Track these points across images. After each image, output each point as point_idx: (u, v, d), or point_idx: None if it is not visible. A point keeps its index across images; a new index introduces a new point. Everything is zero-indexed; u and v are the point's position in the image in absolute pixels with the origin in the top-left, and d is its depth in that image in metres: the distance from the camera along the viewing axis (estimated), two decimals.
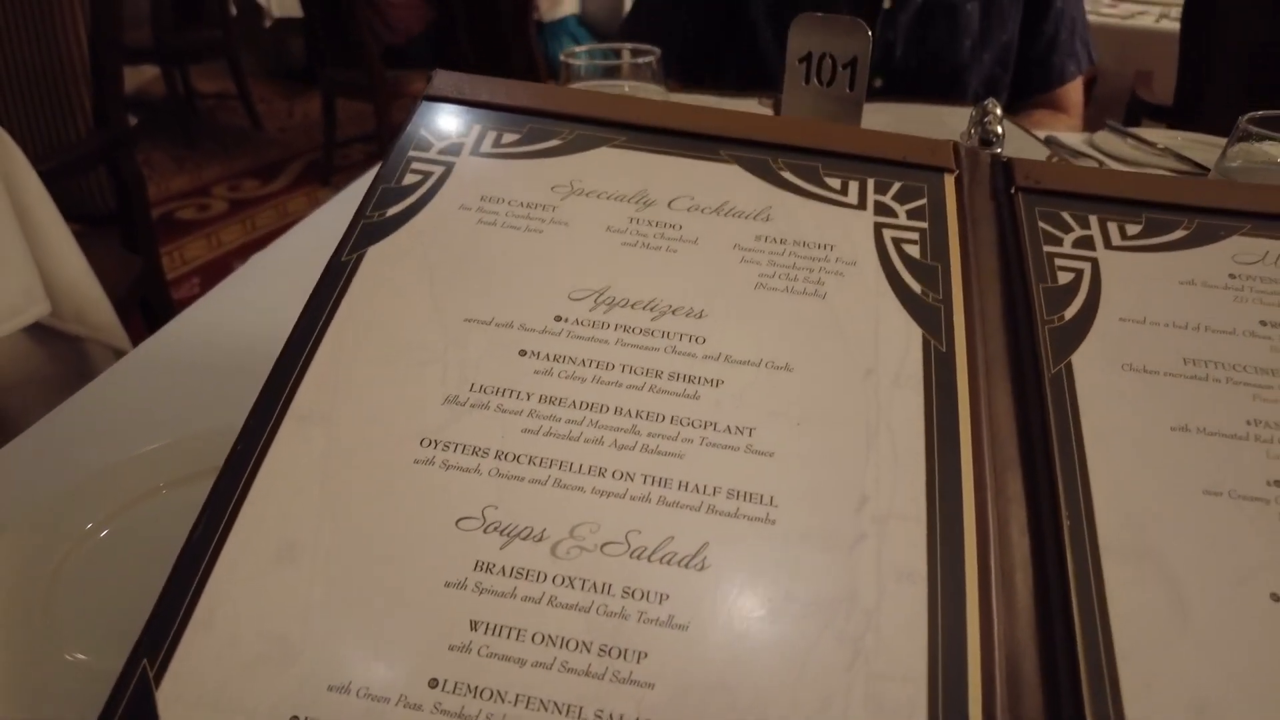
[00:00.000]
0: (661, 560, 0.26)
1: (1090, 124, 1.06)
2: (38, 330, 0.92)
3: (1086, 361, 0.31)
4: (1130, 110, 1.97)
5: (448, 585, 0.26)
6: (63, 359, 0.96)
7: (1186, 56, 1.56)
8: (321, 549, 0.26)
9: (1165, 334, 0.32)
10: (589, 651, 0.25)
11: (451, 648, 0.25)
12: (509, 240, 0.35)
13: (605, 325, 0.32)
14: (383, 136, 2.71)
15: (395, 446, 0.29)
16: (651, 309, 0.33)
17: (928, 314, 0.32)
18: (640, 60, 0.74)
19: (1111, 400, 0.30)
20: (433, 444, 0.29)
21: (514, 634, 0.25)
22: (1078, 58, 1.13)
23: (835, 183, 0.37)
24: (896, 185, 0.37)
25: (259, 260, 0.73)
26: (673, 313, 0.32)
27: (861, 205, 0.36)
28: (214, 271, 2.28)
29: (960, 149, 0.38)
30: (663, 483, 0.28)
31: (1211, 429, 0.30)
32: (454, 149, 0.38)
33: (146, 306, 1.33)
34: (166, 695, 0.24)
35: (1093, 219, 0.36)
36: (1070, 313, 0.33)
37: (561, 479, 0.28)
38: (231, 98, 3.25)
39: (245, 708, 0.24)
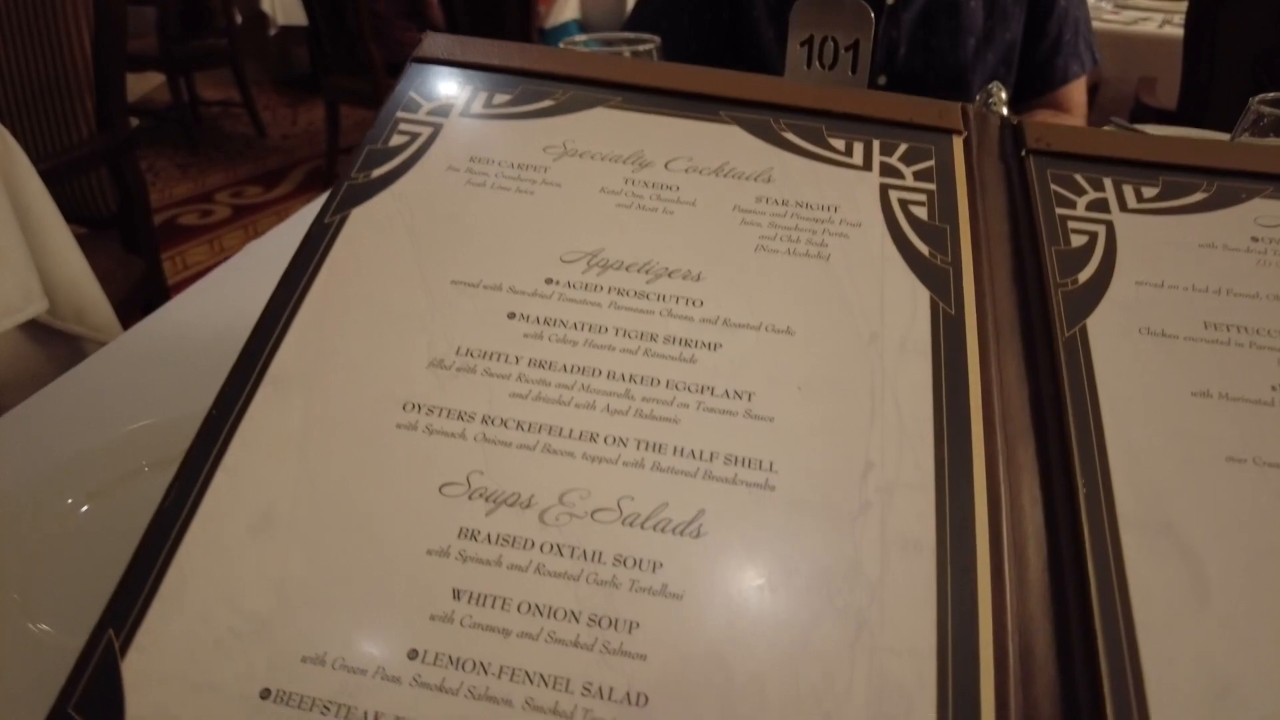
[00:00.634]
0: (655, 527, 0.25)
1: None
2: (37, 330, 0.91)
3: (1102, 326, 0.30)
4: (1134, 116, 1.96)
5: (429, 553, 0.25)
6: (62, 359, 0.95)
7: (1190, 62, 1.55)
8: (298, 517, 0.25)
9: (1185, 298, 0.31)
10: (578, 621, 0.23)
11: (433, 617, 0.23)
12: (498, 202, 0.33)
13: (598, 288, 0.31)
14: None
15: (376, 411, 0.27)
16: (647, 271, 0.31)
17: (936, 276, 0.31)
18: (640, 49, 0.73)
19: (1128, 365, 0.29)
20: (416, 408, 0.27)
21: (499, 603, 0.24)
22: (1081, 58, 1.12)
23: (839, 144, 0.36)
24: (903, 147, 0.35)
25: (254, 248, 0.72)
26: (669, 275, 0.31)
27: (867, 166, 0.35)
28: None
29: (969, 110, 0.37)
30: (657, 448, 0.27)
31: (1234, 394, 0.28)
32: (443, 110, 0.36)
33: (148, 309, 1.32)
34: (133, 667, 0.23)
35: (1107, 181, 0.34)
36: (1085, 276, 0.31)
37: (551, 444, 0.27)
38: (235, 105, 3.25)
39: (215, 681, 0.23)
